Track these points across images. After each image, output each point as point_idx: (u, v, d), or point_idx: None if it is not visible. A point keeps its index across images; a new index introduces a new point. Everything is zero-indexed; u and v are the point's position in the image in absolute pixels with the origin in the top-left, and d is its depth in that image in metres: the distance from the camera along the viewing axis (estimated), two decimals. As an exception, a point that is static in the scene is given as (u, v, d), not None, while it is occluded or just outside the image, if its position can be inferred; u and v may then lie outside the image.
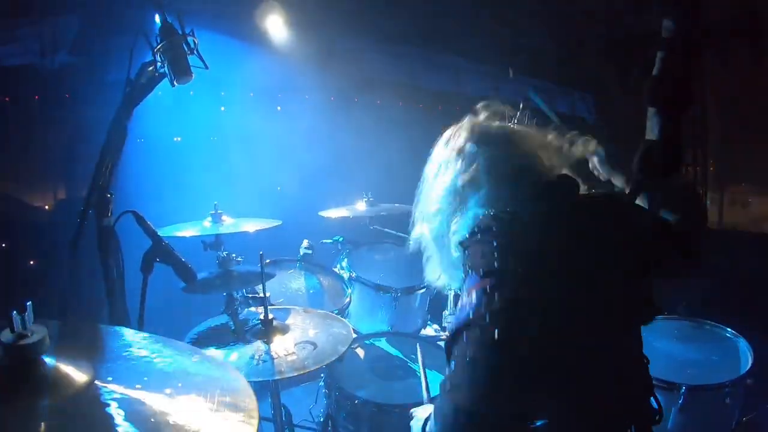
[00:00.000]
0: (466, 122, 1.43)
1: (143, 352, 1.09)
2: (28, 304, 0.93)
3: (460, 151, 1.36)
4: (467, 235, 1.28)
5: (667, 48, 1.25)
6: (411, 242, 1.52)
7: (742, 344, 2.54)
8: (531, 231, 1.22)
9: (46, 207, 3.91)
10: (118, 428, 0.85)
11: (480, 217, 1.28)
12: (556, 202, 1.29)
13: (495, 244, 1.19)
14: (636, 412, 1.31)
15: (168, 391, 0.97)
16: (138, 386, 0.96)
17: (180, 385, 0.99)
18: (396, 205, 3.69)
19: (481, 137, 1.37)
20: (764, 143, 5.65)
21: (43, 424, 0.83)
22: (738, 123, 6.04)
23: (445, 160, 1.39)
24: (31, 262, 3.70)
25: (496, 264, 1.17)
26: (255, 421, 0.92)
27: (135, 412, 0.89)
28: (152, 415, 0.90)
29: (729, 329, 2.66)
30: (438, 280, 1.50)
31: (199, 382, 1.03)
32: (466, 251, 1.27)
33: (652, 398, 1.35)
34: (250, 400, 0.98)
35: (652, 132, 1.31)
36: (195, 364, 1.09)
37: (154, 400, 0.93)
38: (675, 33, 1.23)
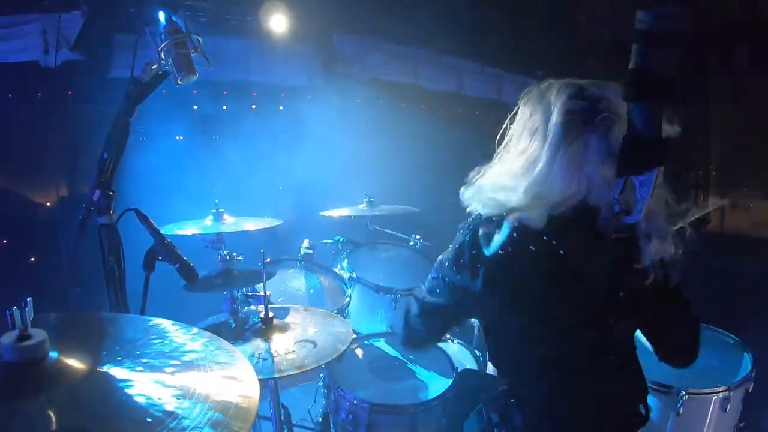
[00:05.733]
0: None
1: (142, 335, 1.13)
2: (28, 300, 0.93)
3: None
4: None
5: (642, 40, 1.23)
6: None
7: (742, 349, 2.54)
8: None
9: (48, 204, 3.91)
10: (125, 410, 0.89)
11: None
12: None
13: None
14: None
15: (169, 370, 1.01)
16: (139, 368, 0.99)
17: (180, 363, 1.04)
18: (396, 206, 3.67)
19: None
20: (766, 147, 5.64)
21: (53, 414, 0.85)
22: (740, 126, 6.04)
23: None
24: (32, 259, 3.71)
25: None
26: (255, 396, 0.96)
27: (139, 393, 0.93)
28: (158, 391, 0.94)
29: (729, 334, 2.65)
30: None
31: (199, 357, 1.08)
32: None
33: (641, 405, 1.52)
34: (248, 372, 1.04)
35: (634, 127, 1.26)
36: (192, 343, 1.16)
37: (157, 379, 0.97)
38: (650, 25, 1.21)
